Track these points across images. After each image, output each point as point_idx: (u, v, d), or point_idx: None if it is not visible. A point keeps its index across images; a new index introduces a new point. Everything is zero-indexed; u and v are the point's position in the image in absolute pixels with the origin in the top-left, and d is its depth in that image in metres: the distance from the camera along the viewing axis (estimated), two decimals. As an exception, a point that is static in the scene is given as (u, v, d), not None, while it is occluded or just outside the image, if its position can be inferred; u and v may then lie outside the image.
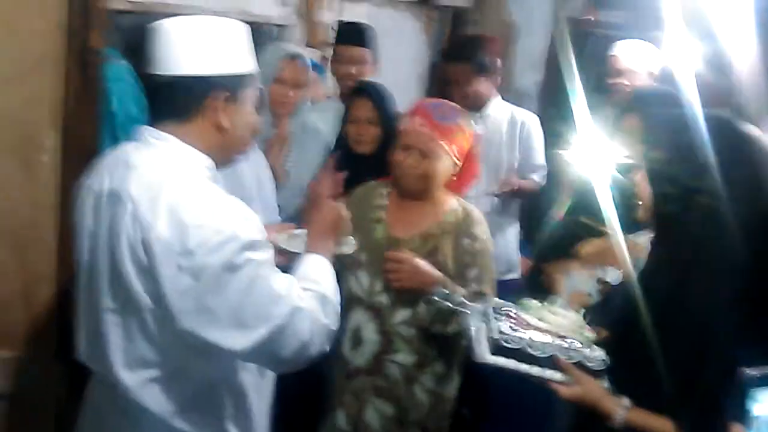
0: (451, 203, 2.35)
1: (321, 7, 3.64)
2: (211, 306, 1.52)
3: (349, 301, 2.29)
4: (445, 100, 2.40)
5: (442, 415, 2.40)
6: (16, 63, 1.91)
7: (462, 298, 1.97)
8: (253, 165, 2.43)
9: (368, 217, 2.35)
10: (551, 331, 1.74)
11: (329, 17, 3.77)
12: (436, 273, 2.21)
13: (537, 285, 2.30)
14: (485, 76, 3.36)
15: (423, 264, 2.21)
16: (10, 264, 2.04)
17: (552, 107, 6.68)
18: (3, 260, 2.04)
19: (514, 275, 3.65)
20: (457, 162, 2.29)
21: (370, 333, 2.31)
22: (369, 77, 3.11)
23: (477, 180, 2.53)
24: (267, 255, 1.60)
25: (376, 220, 2.35)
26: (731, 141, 1.64)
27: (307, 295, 1.66)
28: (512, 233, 3.65)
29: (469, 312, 1.92)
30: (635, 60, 3.56)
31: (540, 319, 1.77)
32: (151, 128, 1.63)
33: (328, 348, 1.70)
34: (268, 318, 1.56)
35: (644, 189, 1.71)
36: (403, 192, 2.34)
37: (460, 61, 3.33)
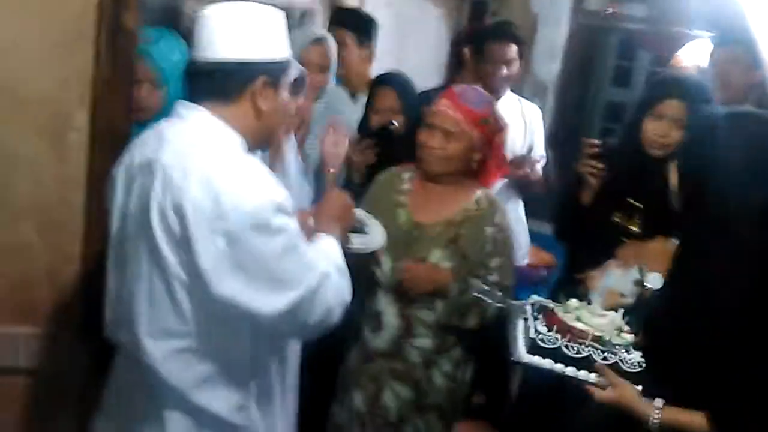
0: (476, 191, 2.35)
1: (344, -8, 3.63)
2: (247, 269, 1.55)
3: (371, 285, 2.32)
4: (476, 87, 2.41)
5: (459, 399, 2.41)
6: (47, 41, 1.91)
7: (499, 293, 1.98)
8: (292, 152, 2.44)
9: (392, 201, 2.38)
10: (588, 332, 1.72)
11: (352, 2, 3.77)
12: (445, 273, 2.26)
13: (570, 286, 2.29)
14: (520, 60, 3.42)
15: (433, 269, 2.27)
16: (37, 242, 2.04)
17: (570, 97, 6.67)
18: (29, 238, 2.04)
19: (524, 261, 3.67)
20: (480, 148, 2.29)
21: (391, 317, 2.34)
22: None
23: (504, 171, 2.54)
24: (296, 223, 1.64)
25: (400, 204, 2.37)
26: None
27: (329, 264, 1.71)
28: (518, 216, 3.65)
29: (509, 308, 1.93)
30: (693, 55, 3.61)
31: (578, 318, 1.76)
32: (185, 102, 1.68)
33: (338, 318, 1.74)
34: (301, 282, 1.60)
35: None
36: (426, 175, 2.36)
37: (505, 39, 3.36)
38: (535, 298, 1.92)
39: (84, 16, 1.93)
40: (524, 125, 3.56)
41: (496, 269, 2.28)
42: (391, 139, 2.72)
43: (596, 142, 2.28)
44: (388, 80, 2.93)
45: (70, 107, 1.97)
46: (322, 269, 1.66)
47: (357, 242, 2.06)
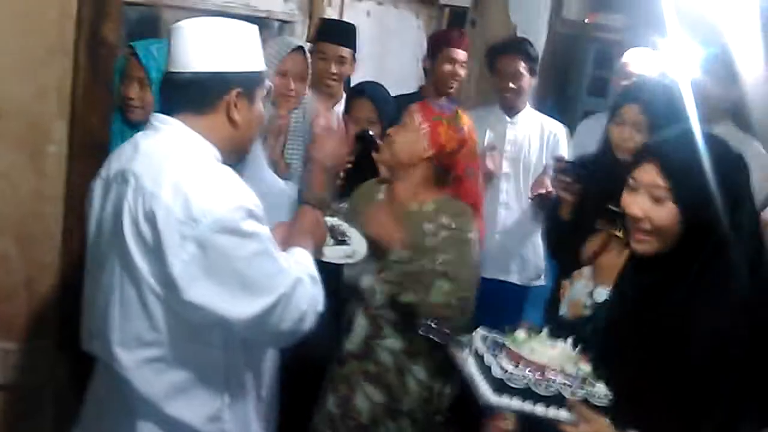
0: (433, 196, 2.40)
1: (324, 3, 3.64)
2: (218, 275, 1.55)
3: (344, 290, 2.37)
4: (450, 103, 2.49)
5: (435, 411, 2.42)
6: (26, 53, 1.90)
7: (447, 331, 1.95)
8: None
9: (368, 210, 2.42)
10: (548, 364, 1.68)
11: (331, 14, 3.78)
12: (398, 234, 2.30)
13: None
14: (530, 74, 3.55)
15: (391, 221, 2.32)
16: (14, 254, 2.03)
17: (547, 106, 6.69)
18: (7, 251, 2.03)
19: (542, 282, 3.72)
20: (426, 146, 2.34)
21: (360, 317, 2.38)
22: (347, 76, 3.21)
23: (480, 189, 2.57)
24: (268, 230, 1.64)
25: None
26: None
27: (301, 271, 1.71)
28: (539, 240, 3.71)
29: (454, 344, 1.89)
30: (645, 64, 3.61)
31: (532, 350, 1.72)
32: (159, 115, 1.69)
33: (311, 327, 1.72)
34: (274, 287, 1.60)
35: (670, 225, 1.63)
36: (389, 180, 2.45)
37: (513, 53, 3.53)
38: (481, 331, 1.82)
39: (62, 28, 1.93)
40: (542, 143, 3.63)
41: (443, 263, 2.29)
42: (367, 148, 2.75)
43: (563, 156, 2.30)
44: (364, 90, 2.99)
45: (49, 120, 1.97)
46: (294, 275, 1.66)
47: (341, 253, 2.09)
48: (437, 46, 3.61)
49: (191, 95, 1.66)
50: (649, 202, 1.62)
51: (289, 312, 1.64)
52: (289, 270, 1.65)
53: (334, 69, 3.13)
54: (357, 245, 2.19)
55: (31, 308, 2.08)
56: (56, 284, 2.08)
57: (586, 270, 2.23)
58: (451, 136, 2.37)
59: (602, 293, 2.05)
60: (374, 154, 2.48)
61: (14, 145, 1.96)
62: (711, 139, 1.65)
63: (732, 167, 1.62)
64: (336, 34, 3.22)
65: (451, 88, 3.55)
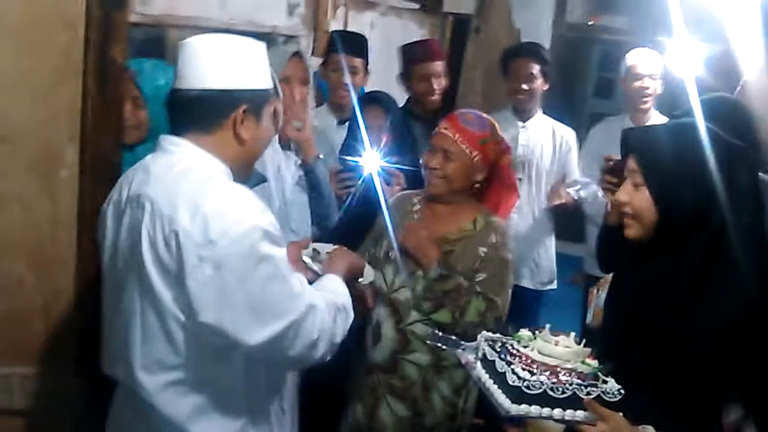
0: (476, 213, 2.38)
1: (328, 17, 3.64)
2: (232, 297, 1.54)
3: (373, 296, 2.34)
4: (476, 111, 2.47)
5: (459, 428, 2.41)
6: (36, 78, 1.90)
7: (454, 338, 1.94)
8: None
9: (403, 221, 2.43)
10: (559, 365, 1.67)
11: (336, 27, 3.78)
12: (435, 252, 2.31)
13: None
14: (543, 77, 3.58)
15: (427, 238, 2.33)
16: (29, 279, 2.03)
17: (553, 109, 6.68)
18: (22, 276, 2.02)
19: (554, 286, 3.72)
20: (481, 169, 2.31)
21: (389, 330, 2.39)
22: (360, 86, 3.22)
23: (515, 196, 2.57)
24: (284, 252, 1.64)
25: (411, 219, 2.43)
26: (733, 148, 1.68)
27: (320, 298, 1.69)
28: (551, 244, 3.73)
29: (462, 350, 1.88)
30: (653, 65, 3.64)
31: (539, 351, 1.71)
32: (169, 137, 1.69)
33: (329, 356, 1.73)
34: (285, 312, 1.59)
35: (647, 209, 1.72)
36: (430, 195, 2.43)
37: (527, 56, 3.60)
38: (487, 334, 1.83)
39: (71, 51, 1.93)
40: (554, 148, 3.63)
41: (481, 282, 2.31)
42: None
43: (613, 156, 2.26)
44: (376, 99, 3.01)
45: (60, 144, 1.97)
46: (308, 301, 1.64)
47: None
48: (407, 64, 3.47)
49: (198, 112, 1.66)
50: (631, 188, 1.76)
51: (300, 339, 1.63)
52: (303, 295, 1.64)
53: (347, 79, 3.13)
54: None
55: (47, 333, 2.07)
56: (72, 309, 2.07)
57: (611, 277, 2.21)
58: (497, 149, 2.40)
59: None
60: (429, 187, 2.41)
61: (26, 169, 1.96)
62: (689, 128, 1.74)
63: (708, 155, 1.66)
64: (347, 44, 3.23)
65: (433, 103, 3.42)
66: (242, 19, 3.13)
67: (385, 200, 2.57)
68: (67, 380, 2.10)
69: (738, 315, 1.60)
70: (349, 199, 2.78)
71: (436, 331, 2.03)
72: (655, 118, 3.64)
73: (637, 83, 3.63)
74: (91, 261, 2.01)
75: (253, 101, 1.68)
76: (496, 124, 2.43)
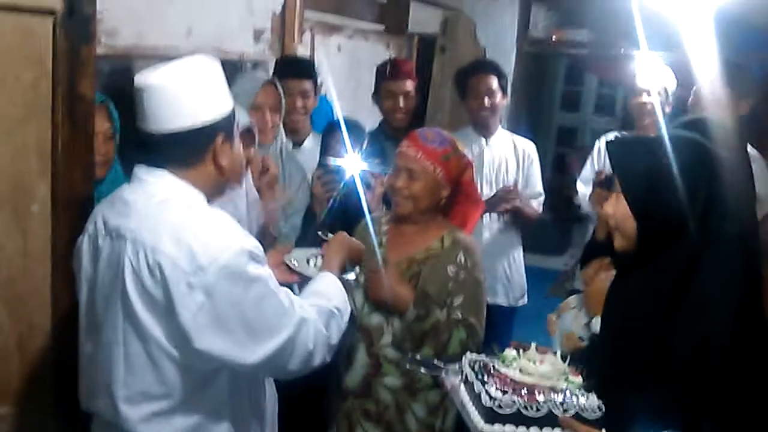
0: (444, 231, 2.38)
1: (294, 42, 3.66)
2: (227, 321, 1.56)
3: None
4: (435, 128, 2.48)
5: None
6: (4, 115, 1.89)
7: (435, 361, 1.94)
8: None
9: (373, 243, 2.42)
10: (537, 384, 1.68)
11: (303, 51, 3.80)
12: (407, 293, 2.29)
13: None
14: (502, 93, 3.60)
15: (396, 281, 2.30)
16: (4, 316, 2.01)
17: (522, 124, 6.76)
18: (-4, 313, 2.00)
19: (526, 301, 3.74)
20: (445, 185, 2.32)
21: (360, 355, 2.37)
22: (312, 108, 3.24)
23: (480, 210, 2.58)
24: (269, 270, 1.66)
25: (379, 244, 2.44)
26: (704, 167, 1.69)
27: (311, 308, 1.72)
28: (520, 259, 3.75)
29: (444, 373, 1.88)
30: (652, 81, 3.65)
31: (521, 370, 1.72)
32: (144, 167, 1.68)
33: (329, 359, 1.77)
34: (280, 329, 1.62)
35: (627, 220, 1.74)
36: (396, 215, 2.42)
37: (484, 72, 3.61)
38: (471, 356, 1.83)
39: (39, 86, 1.93)
40: (517, 161, 3.66)
41: (459, 307, 2.30)
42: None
43: (603, 169, 2.25)
44: (338, 126, 3.02)
45: (31, 179, 1.96)
46: (298, 315, 1.66)
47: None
48: (377, 81, 3.56)
49: (176, 152, 1.65)
50: (614, 199, 1.77)
51: (297, 352, 1.66)
52: (293, 310, 1.66)
53: (299, 103, 3.16)
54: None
55: (24, 370, 2.05)
56: (48, 344, 2.06)
57: (573, 300, 2.23)
58: (459, 164, 2.41)
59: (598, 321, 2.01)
60: (396, 208, 2.42)
61: (-3, 206, 1.95)
62: (670, 139, 1.74)
63: (691, 165, 1.67)
64: (296, 68, 3.27)
65: (399, 121, 3.47)
66: (209, 47, 3.12)
67: (368, 205, 2.61)
68: (43, 418, 2.07)
69: (717, 330, 1.59)
70: (331, 203, 2.83)
71: (417, 356, 2.03)
72: None
73: (636, 99, 3.67)
74: (66, 295, 2.00)
75: (227, 126, 1.68)
76: (456, 140, 2.45)
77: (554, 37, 7.87)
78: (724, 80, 3.05)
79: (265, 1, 3.47)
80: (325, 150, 3.02)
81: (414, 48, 5.50)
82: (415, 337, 2.28)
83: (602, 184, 2.18)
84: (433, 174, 2.33)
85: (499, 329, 3.61)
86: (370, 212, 2.68)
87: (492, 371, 1.74)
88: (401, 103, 3.45)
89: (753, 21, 5.55)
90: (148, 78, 1.62)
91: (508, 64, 6.57)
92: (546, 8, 7.44)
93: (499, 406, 1.62)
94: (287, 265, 2.03)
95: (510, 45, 6.63)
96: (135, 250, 1.57)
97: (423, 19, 5.29)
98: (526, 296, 3.81)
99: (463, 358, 1.84)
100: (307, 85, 3.20)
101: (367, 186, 2.81)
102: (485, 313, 2.36)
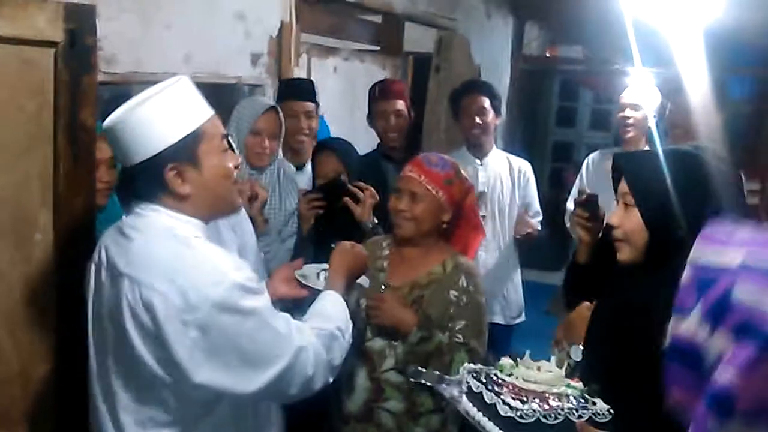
0: (446, 255, 2.40)
1: (291, 65, 3.70)
2: (224, 355, 1.58)
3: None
4: (438, 153, 2.52)
5: None
6: (7, 145, 1.91)
7: (437, 373, 1.93)
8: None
9: (374, 266, 2.44)
10: (546, 391, 1.67)
11: (299, 74, 3.84)
12: (410, 316, 2.31)
13: None
14: (494, 113, 3.64)
15: (399, 306, 2.32)
16: (7, 344, 2.02)
17: (518, 141, 6.80)
18: (0, 341, 2.02)
19: (523, 318, 3.76)
20: (447, 209, 2.35)
21: (362, 379, 2.38)
22: (315, 130, 3.25)
23: (481, 236, 2.61)
24: (265, 299, 1.67)
25: (380, 269, 2.44)
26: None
27: (310, 332, 1.74)
28: (518, 278, 3.78)
29: (446, 385, 1.88)
30: (636, 96, 3.71)
31: (524, 378, 1.69)
32: (139, 201, 1.72)
33: (332, 379, 1.79)
34: (278, 358, 1.64)
35: (638, 230, 1.76)
36: (398, 238, 2.43)
37: (476, 92, 3.66)
38: (469, 366, 1.82)
39: (41, 116, 1.95)
40: (512, 181, 3.69)
41: (460, 331, 2.32)
42: (337, 193, 2.82)
43: (587, 191, 2.25)
44: (327, 146, 3.08)
45: (33, 208, 1.98)
46: (296, 344, 1.68)
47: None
48: (369, 103, 3.59)
49: (138, 186, 1.69)
50: (622, 211, 1.80)
51: (296, 378, 1.68)
52: (291, 337, 1.68)
53: (304, 124, 3.18)
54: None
55: (26, 398, 2.06)
56: (51, 373, 2.07)
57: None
58: (462, 188, 2.45)
59: (579, 351, 2.00)
60: (397, 230, 2.44)
61: (0, 235, 1.97)
62: (676, 153, 1.80)
63: (696, 178, 1.72)
64: (299, 91, 3.28)
65: (393, 141, 3.50)
66: (207, 71, 3.16)
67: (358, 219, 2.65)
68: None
69: None
70: (316, 222, 2.85)
71: (418, 367, 2.04)
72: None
73: (620, 113, 3.73)
74: (69, 323, 2.01)
75: (180, 153, 1.65)
76: (458, 164, 2.48)
77: (548, 53, 7.94)
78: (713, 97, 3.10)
79: (262, 25, 3.51)
80: (313, 169, 3.04)
81: (409, 67, 5.54)
82: (419, 360, 2.28)
83: (583, 205, 2.18)
84: (436, 197, 2.36)
85: (497, 347, 3.63)
86: (360, 226, 2.71)
87: (499, 381, 1.73)
88: (393, 122, 3.48)
89: (743, 37, 5.62)
90: (108, 119, 1.68)
91: (503, 82, 6.63)
92: (539, 26, 7.51)
93: (521, 416, 1.62)
94: (298, 280, 2.06)
95: (505, 62, 6.68)
96: (131, 287, 1.59)
97: (418, 39, 5.34)
98: (523, 314, 3.83)
99: (461, 369, 1.82)
100: (311, 106, 3.23)
101: (356, 200, 2.82)
102: (487, 335, 2.37)
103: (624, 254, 1.80)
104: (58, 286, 2.02)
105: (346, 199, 2.79)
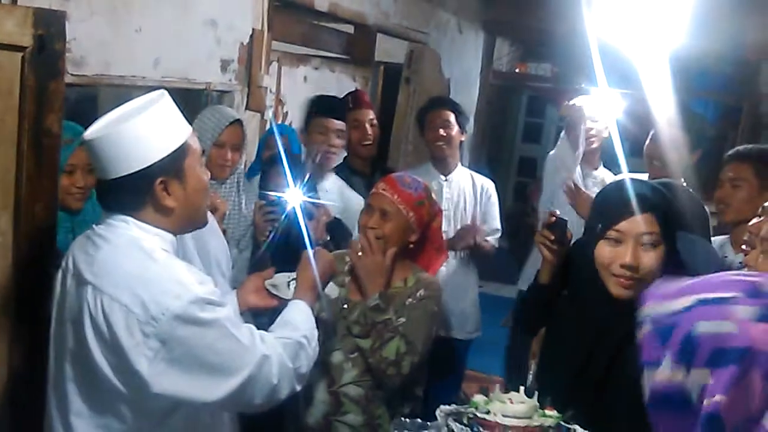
0: (408, 273, 2.44)
1: (261, 72, 3.71)
2: (185, 365, 1.60)
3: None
4: (410, 174, 2.57)
5: None
6: (-31, 148, 1.91)
7: (418, 420, 1.90)
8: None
9: (336, 281, 2.42)
10: (528, 425, 1.69)
11: (268, 82, 3.85)
12: (382, 282, 2.34)
13: None
14: (459, 128, 3.67)
15: (380, 269, 2.34)
16: (-38, 348, 2.00)
17: (484, 155, 6.86)
18: (-45, 345, 2.00)
19: (479, 333, 3.80)
20: (415, 229, 2.38)
21: (321, 393, 2.38)
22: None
23: (444, 256, 2.64)
24: (227, 310, 1.69)
25: (340, 284, 2.44)
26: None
27: (276, 341, 1.76)
28: (475, 294, 3.81)
29: (426, 430, 1.87)
30: (593, 108, 3.76)
31: (502, 414, 1.70)
32: (110, 212, 1.73)
33: (299, 387, 1.82)
34: (239, 368, 1.65)
35: (657, 268, 1.81)
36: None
37: (441, 107, 3.70)
38: (444, 408, 1.79)
39: (5, 119, 1.94)
40: (475, 198, 3.72)
41: (402, 325, 2.31)
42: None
43: (556, 212, 2.25)
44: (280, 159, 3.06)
45: (-7, 211, 1.96)
46: (260, 353, 1.69)
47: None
48: (346, 112, 3.55)
49: (121, 198, 1.69)
50: (638, 251, 1.79)
51: (260, 388, 1.70)
52: (254, 347, 1.70)
53: (335, 141, 3.24)
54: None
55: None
56: (6, 377, 2.05)
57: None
58: (431, 211, 2.49)
59: None
60: (364, 255, 2.40)
61: (-41, 238, 1.95)
62: (677, 187, 1.93)
63: (695, 210, 1.85)
64: (333, 108, 3.36)
65: (368, 151, 3.56)
66: (176, 76, 3.16)
67: (309, 235, 2.59)
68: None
69: None
70: (272, 234, 2.86)
71: (403, 419, 2.04)
72: (600, 168, 3.86)
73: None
74: (27, 327, 2.01)
75: (168, 167, 1.68)
76: (427, 187, 2.51)
77: (518, 70, 8.04)
78: (680, 123, 3.15)
79: (234, 31, 3.52)
80: (267, 180, 3.05)
81: (380, 78, 5.58)
82: (366, 324, 2.31)
83: (550, 227, 2.20)
84: (406, 217, 2.39)
85: (455, 362, 3.68)
86: (312, 243, 2.70)
87: (482, 420, 1.72)
88: (369, 131, 3.54)
89: (704, 63, 5.76)
90: (90, 131, 1.68)
91: (473, 96, 6.69)
92: (510, 42, 7.60)
93: None
94: (267, 290, 2.07)
95: (474, 77, 6.75)
96: (94, 296, 1.61)
97: (389, 50, 5.38)
98: (480, 330, 3.86)
99: (437, 413, 1.81)
100: (342, 125, 3.30)
101: (309, 217, 2.83)
102: (428, 343, 2.37)
103: (631, 292, 1.79)
104: (17, 290, 2.01)
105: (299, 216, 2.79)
